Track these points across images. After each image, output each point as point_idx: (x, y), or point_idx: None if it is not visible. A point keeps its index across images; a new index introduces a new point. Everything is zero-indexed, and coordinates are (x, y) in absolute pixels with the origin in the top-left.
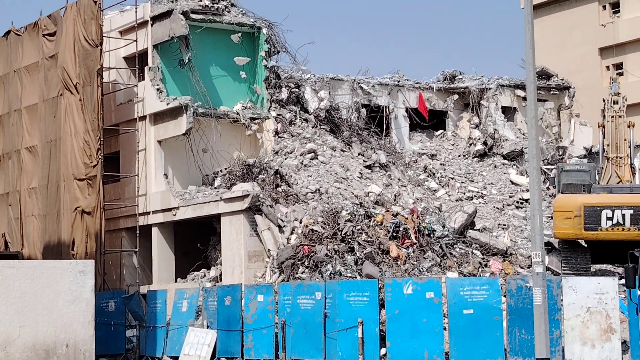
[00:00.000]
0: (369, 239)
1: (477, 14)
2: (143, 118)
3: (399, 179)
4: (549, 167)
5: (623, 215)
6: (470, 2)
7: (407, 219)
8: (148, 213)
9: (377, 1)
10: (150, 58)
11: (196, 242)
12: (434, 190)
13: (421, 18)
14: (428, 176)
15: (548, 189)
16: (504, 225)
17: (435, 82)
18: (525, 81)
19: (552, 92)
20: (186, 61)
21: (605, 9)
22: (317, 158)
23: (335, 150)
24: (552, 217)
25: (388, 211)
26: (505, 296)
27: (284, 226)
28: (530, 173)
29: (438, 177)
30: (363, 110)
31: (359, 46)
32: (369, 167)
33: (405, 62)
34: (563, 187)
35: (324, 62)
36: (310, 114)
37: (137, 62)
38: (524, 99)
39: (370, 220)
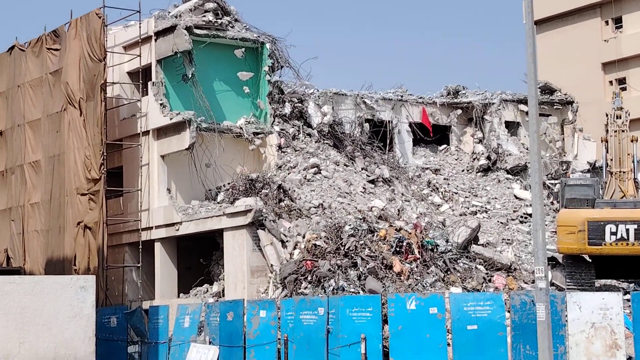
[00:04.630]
0: (372, 254)
1: (480, 29)
2: (146, 133)
3: (402, 194)
4: (552, 181)
5: (627, 230)
6: (474, 17)
7: (410, 233)
8: (151, 228)
9: (380, 17)
10: (154, 73)
11: (199, 257)
12: (438, 205)
13: (424, 33)
14: (432, 191)
15: (552, 203)
16: (508, 240)
17: (438, 97)
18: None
19: (555, 106)
20: (189, 76)
21: (607, 24)
22: (320, 173)
23: (338, 165)
24: (556, 232)
25: (391, 226)
26: (509, 312)
27: (287, 241)
28: (532, 187)
29: (442, 192)
30: (366, 125)
31: (362, 61)
32: (372, 181)
33: (409, 77)
34: (567, 202)
35: (328, 77)
36: (313, 129)
37: (140, 77)
38: (527, 113)
39: (373, 235)
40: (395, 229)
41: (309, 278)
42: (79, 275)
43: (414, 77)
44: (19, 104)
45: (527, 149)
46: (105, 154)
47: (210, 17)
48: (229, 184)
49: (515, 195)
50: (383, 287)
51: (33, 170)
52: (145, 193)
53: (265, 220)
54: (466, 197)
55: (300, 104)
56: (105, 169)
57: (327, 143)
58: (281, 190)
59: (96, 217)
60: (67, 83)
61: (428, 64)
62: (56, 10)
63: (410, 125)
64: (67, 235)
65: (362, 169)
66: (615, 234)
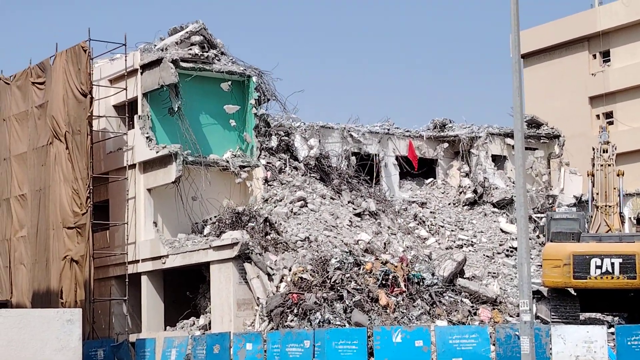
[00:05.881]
0: (358, 287)
1: (467, 63)
2: (133, 166)
3: (388, 227)
4: (538, 215)
5: (612, 264)
6: (461, 51)
7: (396, 267)
8: (137, 261)
9: (367, 50)
10: (140, 106)
11: (185, 290)
12: (424, 239)
13: (411, 66)
14: (418, 224)
15: (538, 237)
16: (494, 273)
17: (425, 130)
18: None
19: (542, 140)
20: (176, 109)
21: (595, 57)
22: (306, 206)
23: (325, 198)
24: (541, 266)
25: (377, 259)
26: (494, 345)
27: (273, 274)
28: (518, 221)
29: (428, 225)
30: (353, 158)
31: (349, 94)
32: (358, 215)
33: (396, 110)
34: (552, 236)
35: (314, 110)
36: (300, 162)
37: (126, 110)
38: (514, 147)
39: (359, 269)
40: (382, 262)
41: (295, 311)
42: (65, 308)
43: (401, 110)
44: (4, 137)
45: (513, 183)
46: (91, 187)
47: (196, 50)
48: (215, 217)
49: (501, 229)
50: (369, 319)
51: (19, 204)
52: (132, 226)
53: (252, 253)
54: (452, 230)
55: (286, 137)
56: (91, 202)
57: (313, 176)
58: (268, 224)
59: (82, 251)
60: (53, 116)
61: (415, 97)
62: (41, 43)
63: (397, 158)
64: (53, 269)
65: (348, 202)
66: (600, 267)
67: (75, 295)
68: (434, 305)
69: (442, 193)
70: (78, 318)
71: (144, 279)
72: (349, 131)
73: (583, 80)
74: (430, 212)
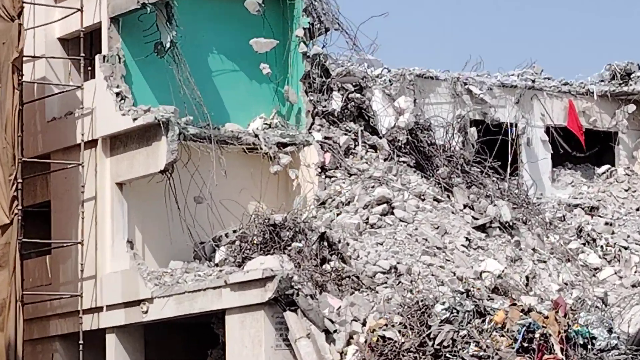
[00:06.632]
0: (482, 353)
1: None
2: (92, 144)
3: (533, 250)
4: None
5: None
6: None
7: (547, 318)
8: (100, 309)
9: None
10: (106, 40)
11: (183, 358)
12: (595, 269)
13: None
14: (584, 244)
15: None
16: None
17: (596, 83)
18: None
19: None
20: (167, 46)
21: None
22: (392, 213)
23: (423, 200)
24: None
25: (515, 304)
26: None
27: (336, 331)
28: None
29: (602, 246)
30: (473, 130)
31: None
32: (481, 228)
33: (545, 50)
34: None
35: (405, 51)
36: (381, 137)
37: (82, 47)
38: None
39: (483, 321)
40: (522, 310)
41: None
42: None
43: (554, 50)
44: None
45: None
46: (19, 179)
47: None
48: (234, 232)
49: None
50: None
51: None
52: (91, 248)
53: (298, 295)
54: None
55: (358, 94)
56: (19, 207)
57: (404, 162)
58: (326, 244)
59: (4, 292)
60: None
61: (578, 26)
62: None
63: (547, 130)
64: None
65: (464, 206)
66: None
67: None
68: None
69: (626, 191)
70: None
71: (110, 339)
72: (465, 84)
73: None
74: (606, 224)
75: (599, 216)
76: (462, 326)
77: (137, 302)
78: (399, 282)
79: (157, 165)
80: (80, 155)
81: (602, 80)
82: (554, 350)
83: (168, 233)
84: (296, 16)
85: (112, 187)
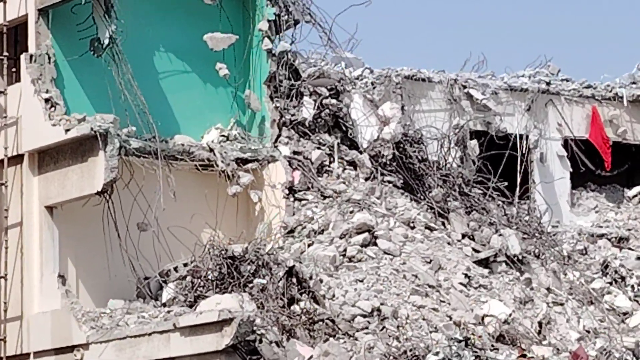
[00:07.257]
0: None
1: None
2: (17, 160)
3: (547, 290)
4: None
5: None
6: None
7: None
8: (27, 356)
9: None
10: (33, 36)
11: None
12: (624, 314)
13: None
14: (611, 283)
15: None
16: None
17: (625, 86)
18: None
19: None
20: (105, 43)
21: None
22: (375, 244)
23: (413, 229)
24: None
25: (524, 356)
26: None
27: None
28: None
29: (632, 286)
30: (473, 143)
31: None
32: (484, 262)
33: (563, 46)
34: None
35: (391, 48)
36: (362, 152)
37: (4, 43)
38: None
39: None
40: None
41: None
42: None
43: (572, 46)
44: None
45: None
46: None
47: None
48: (185, 265)
49: None
50: None
51: None
52: (15, 283)
53: (262, 342)
54: None
55: (334, 100)
56: None
57: (389, 182)
58: (294, 281)
59: None
60: None
61: (599, 20)
62: None
63: (565, 144)
64: None
65: (463, 235)
66: None
67: None
68: None
69: None
70: None
71: None
72: (464, 87)
73: None
74: (638, 259)
75: (629, 249)
76: None
77: (70, 349)
78: (383, 327)
79: (94, 186)
80: (3, 174)
81: (633, 83)
82: None
83: (106, 266)
84: (259, 6)
85: (40, 211)
